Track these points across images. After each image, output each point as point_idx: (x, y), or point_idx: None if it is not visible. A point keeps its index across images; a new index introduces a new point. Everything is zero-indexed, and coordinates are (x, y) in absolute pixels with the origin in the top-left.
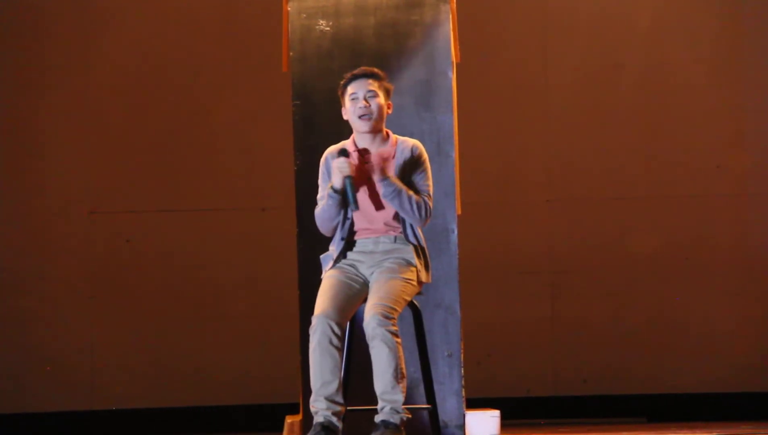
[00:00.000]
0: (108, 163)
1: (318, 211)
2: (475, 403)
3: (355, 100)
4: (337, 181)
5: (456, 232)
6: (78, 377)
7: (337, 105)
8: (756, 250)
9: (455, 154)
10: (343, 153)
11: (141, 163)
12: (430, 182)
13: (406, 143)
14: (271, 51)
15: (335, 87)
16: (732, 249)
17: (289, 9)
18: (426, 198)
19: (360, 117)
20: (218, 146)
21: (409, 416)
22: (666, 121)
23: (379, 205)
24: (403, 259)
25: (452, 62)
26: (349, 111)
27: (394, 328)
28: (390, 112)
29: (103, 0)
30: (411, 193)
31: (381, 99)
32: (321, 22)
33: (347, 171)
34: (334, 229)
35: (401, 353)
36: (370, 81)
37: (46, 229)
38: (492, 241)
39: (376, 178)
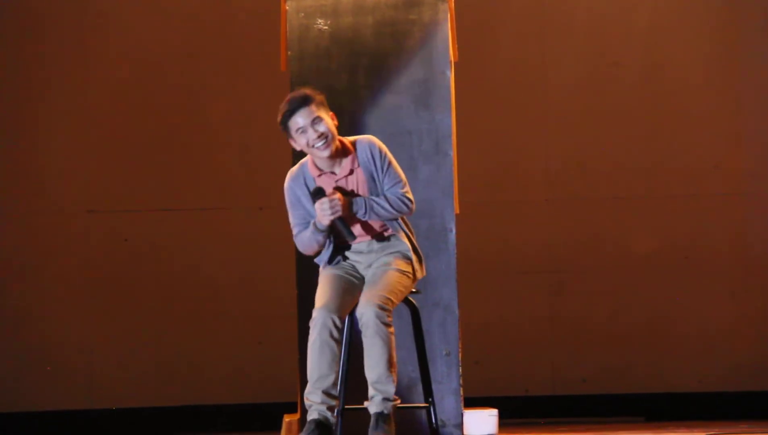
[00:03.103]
0: (106, 162)
1: (301, 239)
2: (473, 402)
3: (304, 133)
4: (324, 221)
5: (454, 231)
6: (76, 376)
7: (336, 104)
8: (754, 250)
9: (453, 154)
10: (319, 193)
11: (139, 162)
12: (399, 171)
13: (362, 144)
14: (270, 50)
15: (334, 86)
16: (730, 248)
17: (287, 8)
18: (401, 190)
19: (316, 146)
20: (216, 145)
21: (398, 401)
22: (664, 120)
23: (360, 227)
24: (399, 252)
25: (450, 61)
26: (302, 143)
27: (388, 319)
28: (336, 122)
29: (101, 0)
30: (380, 198)
31: (326, 118)
32: (319, 21)
33: (334, 212)
34: (321, 248)
35: (393, 344)
36: (308, 108)
37: (44, 229)
38: (490, 240)
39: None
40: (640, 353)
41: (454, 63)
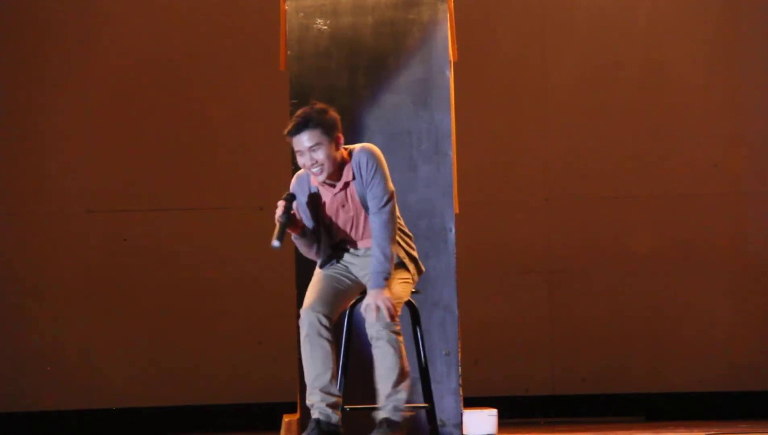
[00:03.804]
0: (105, 162)
1: (296, 242)
2: (472, 402)
3: (302, 155)
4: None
5: (454, 231)
6: (76, 376)
7: (335, 104)
8: (753, 249)
9: (453, 153)
10: (290, 198)
11: (138, 161)
12: (385, 184)
13: (356, 156)
14: (269, 50)
15: (333, 86)
16: (729, 247)
17: (286, 8)
18: (378, 207)
19: (311, 171)
20: (216, 145)
21: (412, 413)
22: (664, 119)
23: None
24: (397, 261)
25: (450, 61)
26: (299, 163)
27: (397, 328)
28: (341, 144)
29: (101, 0)
30: (378, 256)
31: (326, 145)
32: (319, 20)
33: (280, 216)
34: (317, 254)
35: (404, 353)
36: (309, 132)
37: (44, 228)
38: (490, 239)
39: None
40: (640, 353)
41: (454, 63)
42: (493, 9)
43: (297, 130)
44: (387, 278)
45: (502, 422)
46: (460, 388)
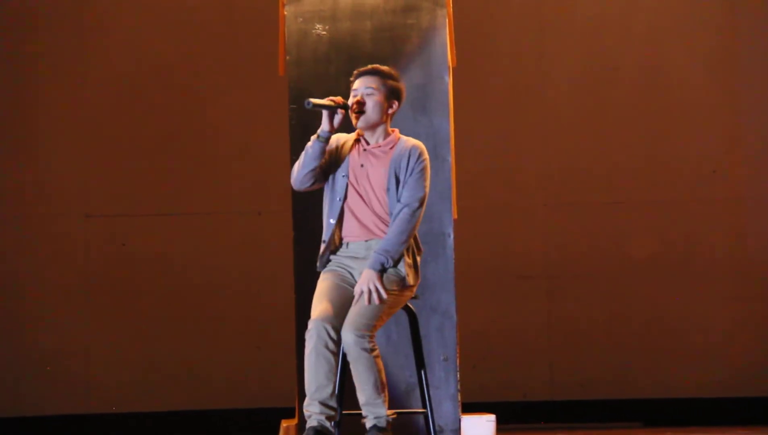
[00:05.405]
0: (104, 166)
1: (298, 162)
2: (471, 408)
3: (354, 96)
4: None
5: (452, 236)
6: (74, 380)
7: None
8: (752, 255)
9: (451, 158)
10: (344, 106)
11: (137, 166)
12: (426, 183)
13: (408, 143)
14: (268, 55)
15: (332, 90)
16: (728, 253)
17: (285, 13)
18: (414, 203)
19: (354, 112)
20: (215, 150)
21: (395, 416)
22: (662, 125)
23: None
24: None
25: (449, 66)
26: (349, 102)
27: (368, 344)
28: (393, 110)
29: (100, 3)
30: (393, 244)
31: (379, 96)
32: (318, 26)
33: (329, 105)
34: (305, 180)
35: (380, 366)
36: (374, 78)
37: (43, 232)
38: (488, 245)
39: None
40: (638, 358)
41: (453, 68)
42: (492, 14)
43: (367, 72)
44: (384, 264)
45: (500, 428)
46: (459, 394)
